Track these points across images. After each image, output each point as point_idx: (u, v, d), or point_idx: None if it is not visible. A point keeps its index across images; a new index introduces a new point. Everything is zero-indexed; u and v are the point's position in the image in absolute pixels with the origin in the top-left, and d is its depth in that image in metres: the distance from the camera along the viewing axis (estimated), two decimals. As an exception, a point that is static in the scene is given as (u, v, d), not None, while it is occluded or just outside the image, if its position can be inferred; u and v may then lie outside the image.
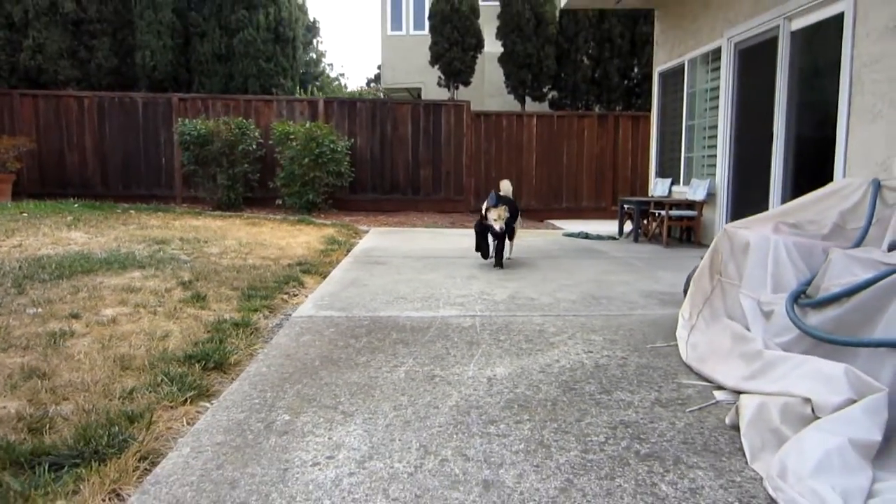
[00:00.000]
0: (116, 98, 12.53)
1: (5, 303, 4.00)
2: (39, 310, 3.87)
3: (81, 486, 1.86)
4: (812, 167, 6.20)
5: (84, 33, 14.61)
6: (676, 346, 3.45)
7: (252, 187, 11.98)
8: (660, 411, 2.53)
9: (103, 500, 1.81)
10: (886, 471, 2.07)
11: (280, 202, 11.65)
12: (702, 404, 2.63)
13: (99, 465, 1.97)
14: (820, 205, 3.76)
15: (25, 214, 8.94)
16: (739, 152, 7.64)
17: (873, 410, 2.20)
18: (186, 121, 11.54)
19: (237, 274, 5.21)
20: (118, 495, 1.85)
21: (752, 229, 3.56)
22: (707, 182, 8.09)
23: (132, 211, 10.33)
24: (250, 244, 7.08)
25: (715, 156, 7.99)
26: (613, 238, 9.03)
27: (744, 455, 2.17)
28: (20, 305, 3.96)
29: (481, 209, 6.00)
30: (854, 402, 2.25)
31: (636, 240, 8.72)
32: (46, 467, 1.97)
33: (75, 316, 3.74)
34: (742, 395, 2.50)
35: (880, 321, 2.52)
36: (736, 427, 2.39)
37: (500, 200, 5.91)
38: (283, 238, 7.80)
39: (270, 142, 11.79)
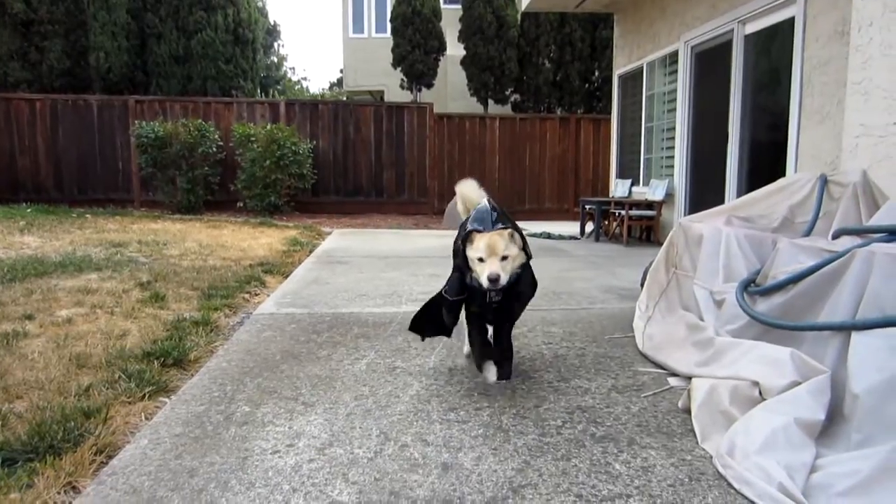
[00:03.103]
0: (70, 101, 12.21)
1: (-47, 305, 3.87)
2: (-10, 312, 3.75)
3: (36, 480, 1.82)
4: (765, 167, 6.42)
5: (35, 34, 14.21)
6: (633, 337, 3.55)
7: (213, 190, 11.81)
8: (616, 397, 2.60)
9: (58, 493, 1.78)
10: (829, 448, 2.17)
11: (241, 205, 11.51)
12: (656, 390, 2.71)
13: (54, 459, 1.93)
14: (770, 199, 3.91)
15: (-26, 219, 8.63)
16: (696, 153, 7.86)
17: (817, 391, 2.30)
18: (144, 123, 11.32)
19: (197, 275, 5.13)
20: (74, 488, 1.83)
21: (706, 223, 3.68)
22: (666, 182, 8.30)
23: (88, 215, 10.07)
24: (211, 246, 6.98)
25: (673, 157, 8.20)
26: (575, 238, 9.19)
27: (695, 436, 2.25)
28: (-31, 308, 3.84)
29: (458, 245, 2.59)
30: (799, 384, 2.35)
31: (597, 239, 8.88)
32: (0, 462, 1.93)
33: (29, 317, 3.64)
34: (694, 380, 2.58)
35: (824, 306, 2.64)
36: (688, 410, 2.47)
37: (497, 222, 2.50)
38: (244, 240, 7.71)
39: (231, 144, 11.65)
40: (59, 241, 7.05)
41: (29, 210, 10.20)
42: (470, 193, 2.79)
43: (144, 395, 2.53)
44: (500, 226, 2.39)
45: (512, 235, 2.38)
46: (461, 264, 2.48)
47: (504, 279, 2.29)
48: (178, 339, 3.26)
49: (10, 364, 2.85)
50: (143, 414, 2.38)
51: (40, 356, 2.97)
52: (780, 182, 3.99)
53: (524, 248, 2.45)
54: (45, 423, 2.17)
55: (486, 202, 2.61)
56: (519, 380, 2.75)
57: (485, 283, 2.28)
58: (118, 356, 2.97)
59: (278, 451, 2.03)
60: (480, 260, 2.31)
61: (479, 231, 2.37)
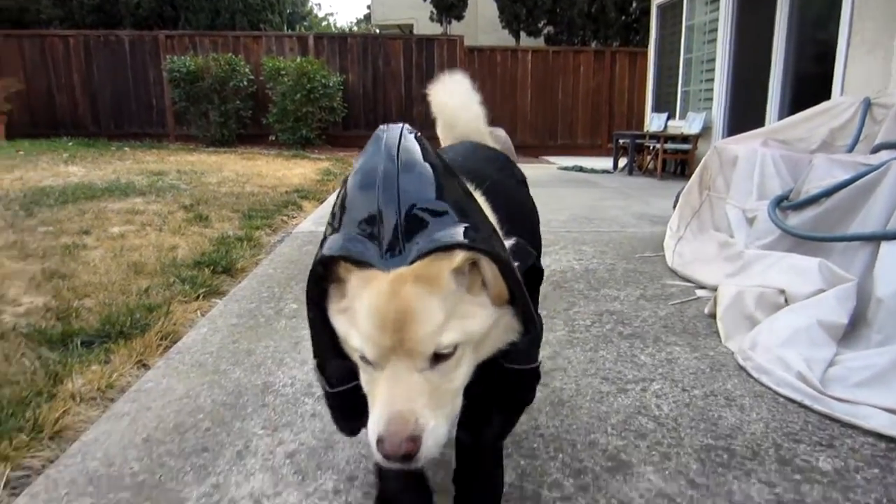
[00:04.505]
0: (102, 37, 12.28)
1: (17, 224, 4.11)
2: (50, 228, 3.98)
3: (111, 357, 2.02)
4: (808, 99, 6.20)
5: (65, -31, 14.20)
6: (663, 255, 3.62)
7: (245, 124, 11.92)
8: (643, 304, 2.70)
9: (131, 368, 1.98)
10: (850, 349, 2.25)
11: (273, 138, 11.64)
12: (683, 299, 2.80)
13: (125, 342, 2.14)
14: (810, 122, 3.86)
15: (21, 153, 8.92)
16: (737, 85, 7.64)
17: (843, 297, 2.37)
18: (175, 58, 11.38)
19: (237, 200, 5.31)
20: (145, 365, 2.02)
21: (742, 144, 3.68)
22: (703, 115, 8.12)
23: (126, 148, 10.31)
24: (247, 175, 7.15)
25: (712, 89, 7.99)
26: (608, 172, 9.13)
27: (718, 337, 2.35)
28: (31, 225, 4.07)
29: (309, 290, 0.93)
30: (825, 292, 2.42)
31: (630, 173, 8.82)
32: (78, 343, 2.14)
33: (86, 232, 3.86)
34: (721, 286, 2.66)
35: (855, 218, 2.66)
36: (713, 315, 2.56)
37: (434, 222, 0.85)
38: (278, 170, 7.86)
39: (261, 78, 11.66)
40: (101, 170, 7.28)
41: (70, 144, 10.48)
42: (454, 104, 1.53)
43: (198, 295, 2.72)
44: (432, 240, 0.82)
45: (469, 270, 0.86)
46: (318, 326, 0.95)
47: (430, 447, 0.81)
48: (225, 251, 3.44)
49: (75, 269, 3.07)
50: (198, 311, 2.57)
51: (101, 263, 3.19)
52: (821, 105, 3.93)
53: (513, 285, 0.89)
54: (114, 315, 2.38)
55: (473, 138, 1.47)
56: (550, 287, 2.87)
57: (372, 445, 0.83)
58: (171, 265, 3.16)
59: (326, 339, 2.20)
60: (364, 360, 0.86)
61: (354, 260, 0.84)
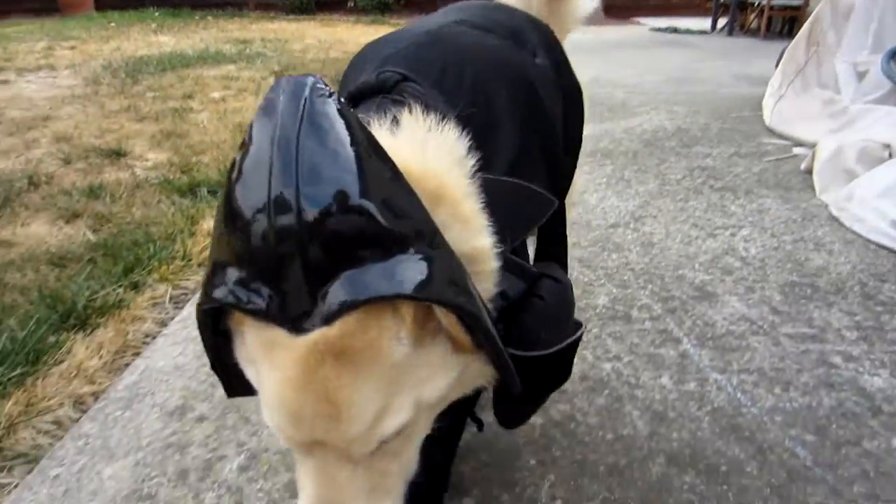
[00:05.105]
0: None
1: (126, 90, 4.40)
2: (157, 93, 4.25)
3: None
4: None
5: None
6: (761, 115, 3.48)
7: (323, -9, 11.69)
8: (737, 160, 2.68)
9: (256, 211, 2.22)
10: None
11: (352, 5, 11.40)
12: (780, 156, 2.75)
13: (246, 189, 2.37)
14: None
15: (113, 24, 9.22)
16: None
17: (954, 152, 2.26)
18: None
19: (323, 66, 5.39)
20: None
21: (859, -8, 3.36)
22: (817, -39, 7.26)
23: (209, 17, 10.42)
24: (329, 41, 7.16)
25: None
26: (705, 33, 8.48)
27: (813, 191, 2.33)
28: (139, 91, 4.35)
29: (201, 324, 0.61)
30: (935, 146, 2.31)
31: (730, 33, 8.16)
32: (205, 192, 2.40)
33: (189, 97, 4.11)
34: (820, 141, 2.58)
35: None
36: (810, 171, 2.52)
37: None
38: (360, 36, 7.79)
39: (338, -61, 11.23)
40: (189, 39, 7.47)
41: (157, 14, 10.69)
42: None
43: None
44: (358, 286, 0.50)
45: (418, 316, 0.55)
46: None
47: None
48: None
49: (186, 130, 3.33)
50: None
51: (209, 124, 3.43)
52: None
53: (483, 338, 0.58)
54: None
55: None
56: (641, 145, 2.87)
57: None
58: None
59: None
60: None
61: (245, 307, 0.52)
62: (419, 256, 0.51)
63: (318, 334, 0.49)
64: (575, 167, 1.06)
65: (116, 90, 4.37)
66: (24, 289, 1.70)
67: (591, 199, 2.21)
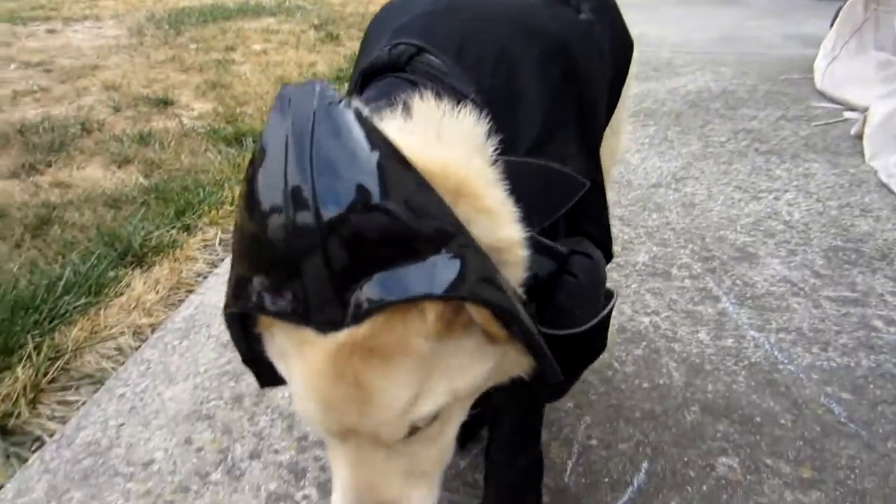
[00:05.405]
0: None
1: (170, 40, 4.46)
2: (200, 45, 4.29)
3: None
4: None
5: None
6: (812, 77, 3.37)
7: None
8: (784, 124, 2.61)
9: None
10: None
11: (391, -41, 11.21)
12: (829, 120, 2.67)
13: (289, 140, 2.41)
14: None
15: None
16: None
17: None
18: None
19: (362, 20, 5.36)
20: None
21: (928, -54, 3.19)
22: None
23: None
24: (369, -5, 7.09)
25: None
26: (754, -10, 8.13)
27: (863, 156, 2.26)
28: (182, 42, 4.40)
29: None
30: None
31: (781, -8, 7.81)
32: (250, 141, 2.45)
33: (231, 49, 4.14)
34: (872, 105, 2.50)
35: None
36: (860, 136, 2.45)
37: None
38: (399, -9, 7.69)
39: None
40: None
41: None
42: None
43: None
44: (386, 286, 0.51)
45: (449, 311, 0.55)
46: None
47: None
48: (361, 67, 3.60)
49: (230, 81, 3.37)
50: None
51: (252, 76, 3.47)
52: None
53: (518, 332, 0.57)
54: (274, 118, 2.66)
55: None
56: (685, 106, 2.82)
57: None
58: (314, 77, 3.38)
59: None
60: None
61: (270, 311, 0.54)
62: (450, 255, 0.51)
63: (346, 334, 0.50)
64: (618, 125, 1.01)
65: (160, 41, 4.43)
66: (84, 227, 1.79)
67: (632, 159, 2.20)
